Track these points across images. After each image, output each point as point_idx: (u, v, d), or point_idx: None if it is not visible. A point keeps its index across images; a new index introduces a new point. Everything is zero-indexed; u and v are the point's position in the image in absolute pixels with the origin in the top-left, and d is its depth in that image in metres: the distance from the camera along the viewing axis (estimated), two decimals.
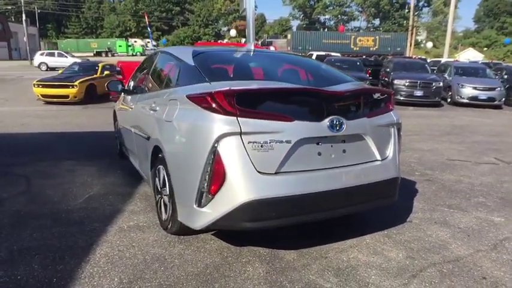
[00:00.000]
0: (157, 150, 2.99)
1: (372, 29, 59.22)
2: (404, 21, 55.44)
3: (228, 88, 2.31)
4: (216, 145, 2.24)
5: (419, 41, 56.79)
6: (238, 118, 2.25)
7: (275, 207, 2.32)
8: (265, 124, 2.30)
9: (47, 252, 2.64)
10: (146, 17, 26.91)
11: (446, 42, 25.16)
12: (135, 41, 46.71)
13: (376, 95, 2.78)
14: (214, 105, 2.28)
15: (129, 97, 4.32)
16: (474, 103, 12.56)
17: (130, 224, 3.15)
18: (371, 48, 41.82)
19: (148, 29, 25.00)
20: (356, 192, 2.58)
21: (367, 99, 2.72)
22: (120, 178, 4.41)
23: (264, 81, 2.61)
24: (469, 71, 14.13)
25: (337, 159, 2.54)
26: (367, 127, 2.65)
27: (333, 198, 2.50)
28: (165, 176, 2.79)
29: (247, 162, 2.26)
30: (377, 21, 60.34)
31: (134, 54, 45.80)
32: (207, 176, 2.30)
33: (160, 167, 2.93)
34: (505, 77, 14.48)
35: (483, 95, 12.61)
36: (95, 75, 11.93)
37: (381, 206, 2.96)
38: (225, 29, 59.94)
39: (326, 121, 2.45)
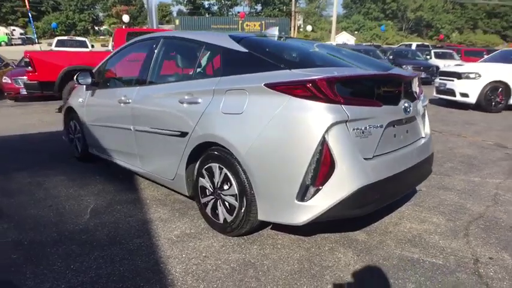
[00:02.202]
0: (204, 147, 2.71)
1: (254, 14, 61.12)
2: (284, 7, 58.54)
3: (329, 75, 2.22)
4: (325, 135, 2.14)
5: (299, 25, 60.75)
6: (343, 106, 2.19)
7: (377, 190, 2.35)
8: (364, 110, 2.29)
9: (113, 284, 2.20)
10: (27, 0, 22.54)
11: (332, 27, 27.59)
12: None
13: (419, 79, 2.98)
14: (317, 93, 2.16)
15: (113, 90, 3.75)
16: None
17: (176, 234, 2.81)
18: None
19: (30, 14, 21.08)
20: (419, 167, 2.76)
21: (417, 83, 2.89)
22: (108, 184, 3.85)
23: (346, 68, 2.56)
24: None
25: (404, 139, 2.68)
26: (418, 108, 2.83)
27: (409, 175, 2.65)
28: (230, 175, 2.55)
29: (354, 150, 2.23)
30: (259, 7, 62.38)
31: None
32: (313, 168, 2.19)
33: (215, 165, 2.66)
34: (390, 57, 16.59)
35: None
36: None
37: (424, 179, 3.19)
38: (102, 14, 54.60)
39: (401, 104, 2.55)
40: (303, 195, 2.24)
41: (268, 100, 2.33)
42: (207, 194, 2.82)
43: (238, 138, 2.46)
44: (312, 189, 2.22)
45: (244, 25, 44.73)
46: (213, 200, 2.77)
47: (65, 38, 17.84)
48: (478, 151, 5.38)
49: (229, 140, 2.50)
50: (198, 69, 2.96)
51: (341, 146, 2.18)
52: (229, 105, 2.52)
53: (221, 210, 2.72)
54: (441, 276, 2.30)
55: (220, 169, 2.64)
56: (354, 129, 2.23)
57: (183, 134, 2.86)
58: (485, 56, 20.02)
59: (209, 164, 2.72)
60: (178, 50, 3.30)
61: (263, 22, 45.70)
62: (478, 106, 8.91)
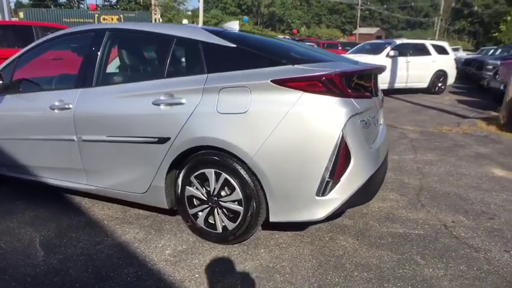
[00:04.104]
0: (189, 153, 2.47)
1: (108, 7, 56.68)
2: (141, 0, 55.81)
3: (341, 69, 2.25)
4: (343, 129, 2.18)
5: (157, 19, 58.90)
6: (352, 99, 2.26)
7: (377, 177, 2.51)
8: (365, 102, 2.40)
9: None
10: None
11: (200, 21, 27.61)
12: None
13: None
14: (333, 88, 2.17)
15: (37, 95, 3.07)
16: None
17: (169, 253, 2.49)
18: None
19: None
20: (387, 152, 3.04)
21: None
22: (38, 209, 3.15)
23: (336, 63, 2.55)
24: None
25: (376, 128, 2.90)
26: (381, 98, 3.11)
27: (387, 160, 2.89)
28: (232, 180, 2.38)
29: (363, 141, 2.33)
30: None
31: None
32: (332, 163, 2.20)
33: (209, 171, 2.45)
34: None
35: None
36: None
37: None
38: None
39: (379, 94, 2.76)
40: (323, 190, 2.25)
41: (276, 97, 2.24)
42: (196, 204, 2.59)
43: (244, 139, 2.30)
44: (330, 183, 2.25)
45: (101, 18, 41.25)
46: (207, 209, 2.55)
47: None
48: None
49: (232, 142, 2.32)
50: (172, 66, 2.64)
51: (355, 138, 2.26)
52: (228, 104, 2.34)
53: (219, 219, 2.52)
54: (432, 244, 2.62)
55: (218, 174, 2.44)
56: (361, 121, 2.34)
57: (163, 140, 2.53)
58: (340, 48, 22.88)
59: (201, 170, 2.49)
60: (136, 45, 2.87)
61: (121, 16, 42.73)
62: None
